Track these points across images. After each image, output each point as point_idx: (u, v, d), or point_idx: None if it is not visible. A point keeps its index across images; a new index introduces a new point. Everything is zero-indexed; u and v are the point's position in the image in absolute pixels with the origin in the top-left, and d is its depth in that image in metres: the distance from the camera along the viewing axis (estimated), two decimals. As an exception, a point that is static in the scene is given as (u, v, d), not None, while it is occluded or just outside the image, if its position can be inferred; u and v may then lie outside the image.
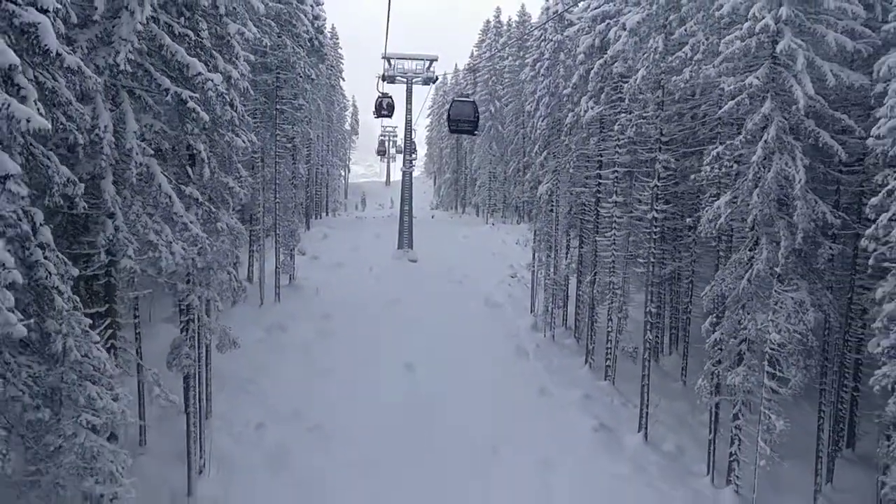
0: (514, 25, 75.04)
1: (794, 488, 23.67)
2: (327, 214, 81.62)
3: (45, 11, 9.06)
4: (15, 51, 9.28)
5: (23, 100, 9.21)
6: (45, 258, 11.20)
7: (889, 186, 15.25)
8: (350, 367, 30.43)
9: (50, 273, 11.24)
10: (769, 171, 20.02)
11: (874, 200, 16.17)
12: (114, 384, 12.53)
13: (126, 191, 15.57)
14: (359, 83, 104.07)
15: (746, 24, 20.08)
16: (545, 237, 38.85)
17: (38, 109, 9.60)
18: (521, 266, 49.50)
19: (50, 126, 9.59)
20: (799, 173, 19.57)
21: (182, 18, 17.03)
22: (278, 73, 35.26)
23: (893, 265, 15.29)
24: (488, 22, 79.71)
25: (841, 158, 20.01)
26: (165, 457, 21.49)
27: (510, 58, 69.05)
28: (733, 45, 20.42)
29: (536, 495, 22.28)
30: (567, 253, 37.70)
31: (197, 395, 21.79)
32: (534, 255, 41.38)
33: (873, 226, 15.30)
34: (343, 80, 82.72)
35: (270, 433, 24.74)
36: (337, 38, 77.32)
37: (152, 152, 15.61)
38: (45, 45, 9.19)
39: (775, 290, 20.25)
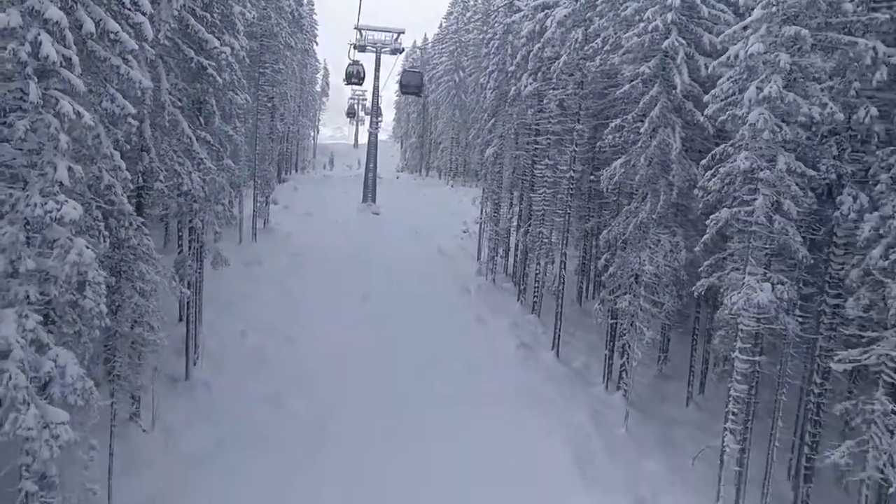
0: (480, 1, 79.83)
1: (672, 397, 29.85)
2: (297, 172, 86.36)
3: (144, 14, 14.31)
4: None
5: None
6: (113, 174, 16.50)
7: (715, 151, 20.92)
8: (317, 295, 36.00)
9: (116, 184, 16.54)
10: (654, 140, 25.72)
11: (704, 161, 21.65)
12: (156, 263, 17.96)
13: (157, 133, 20.83)
14: (330, 45, 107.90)
15: (642, 24, 25.68)
16: (491, 195, 44.57)
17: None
18: (473, 223, 55.17)
19: (144, 79, 14.86)
20: (676, 143, 25.31)
21: (200, 1, 22.20)
22: (262, 40, 40.21)
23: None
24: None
25: (710, 132, 25.74)
26: (168, 352, 26.81)
27: (475, 31, 73.92)
28: (632, 40, 26.01)
29: (468, 391, 28.00)
30: (510, 208, 43.43)
31: (195, 306, 27.25)
32: (481, 210, 47.06)
33: (702, 178, 21.03)
34: (317, 44, 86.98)
35: (250, 339, 30.25)
36: (312, 4, 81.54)
37: (179, 105, 20.85)
38: (145, 35, 14.45)
39: (652, 233, 26.10)
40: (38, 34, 10.75)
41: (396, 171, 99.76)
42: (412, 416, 25.13)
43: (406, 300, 36.63)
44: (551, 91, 31.84)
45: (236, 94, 25.25)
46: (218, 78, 21.27)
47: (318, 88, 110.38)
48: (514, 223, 41.79)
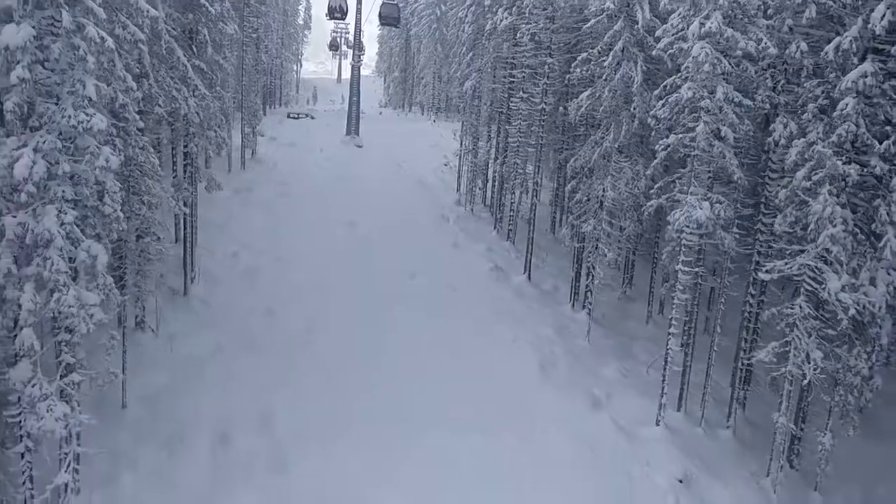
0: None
1: (634, 316, 32.50)
2: (280, 106, 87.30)
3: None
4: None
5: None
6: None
7: (666, 82, 22.91)
8: (304, 220, 38.12)
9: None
10: (618, 73, 27.68)
11: (656, 91, 23.71)
12: (161, 180, 19.97)
13: (155, 60, 22.53)
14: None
15: (608, -38, 27.32)
16: (470, 128, 46.42)
17: None
18: (453, 155, 56.93)
19: (151, 9, 16.61)
20: (638, 76, 27.30)
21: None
22: (246, -29, 41.33)
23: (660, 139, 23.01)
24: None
25: (669, 66, 27.63)
26: (168, 269, 28.94)
27: (457, -35, 74.38)
28: (599, -22, 27.73)
29: (443, 305, 30.41)
30: (488, 141, 45.32)
31: (191, 228, 29.30)
32: (461, 143, 48.93)
33: (654, 108, 23.11)
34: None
35: (243, 259, 32.50)
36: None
37: (175, 34, 22.53)
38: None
39: (615, 161, 28.26)
40: (68, -31, 12.56)
41: (380, 106, 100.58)
42: (390, 327, 27.56)
43: (387, 226, 38.79)
44: (524, 25, 33.52)
45: (226, 24, 26.87)
46: (210, 8, 22.94)
47: (300, 21, 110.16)
48: (492, 155, 43.76)
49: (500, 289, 33.14)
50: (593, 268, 30.05)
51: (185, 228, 28.99)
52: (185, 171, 27.63)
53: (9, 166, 12.51)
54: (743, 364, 24.13)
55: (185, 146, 26.85)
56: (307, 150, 53.56)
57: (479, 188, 45.93)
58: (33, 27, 12.44)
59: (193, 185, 27.99)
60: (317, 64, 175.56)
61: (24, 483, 14.80)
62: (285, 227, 37.05)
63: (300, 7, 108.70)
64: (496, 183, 42.85)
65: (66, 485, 15.37)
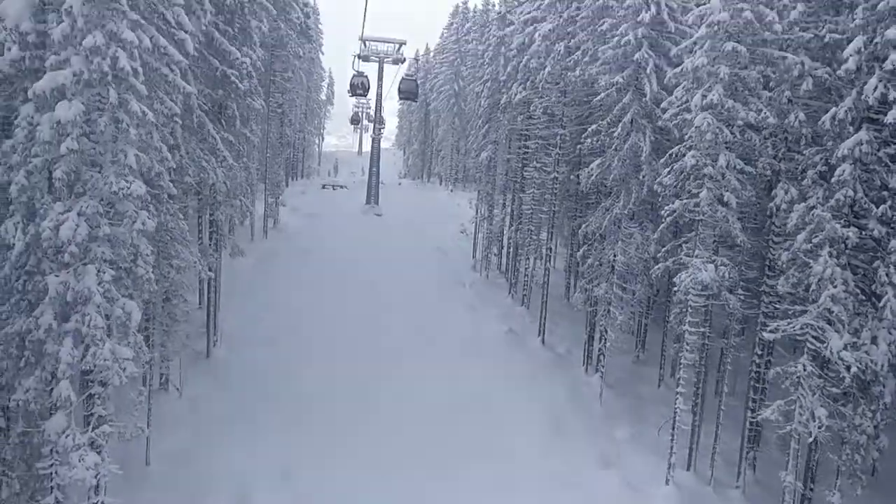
0: (478, 12, 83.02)
1: (646, 379, 32.88)
2: (302, 178, 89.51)
3: (186, 32, 17.47)
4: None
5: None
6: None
7: (672, 150, 23.95)
8: (324, 285, 39.16)
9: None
10: (626, 143, 28.78)
11: (663, 160, 24.74)
12: (189, 245, 21.07)
13: (186, 133, 23.90)
14: (334, 54, 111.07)
15: (616, 38, 28.76)
16: (486, 196, 47.69)
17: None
18: (470, 223, 58.22)
19: (186, 86, 17.97)
20: (646, 145, 28.37)
21: (222, 16, 25.35)
22: (273, 50, 43.38)
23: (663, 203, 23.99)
24: (457, 7, 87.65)
25: (676, 135, 28.71)
26: (191, 332, 29.87)
27: (474, 42, 77.11)
28: (607, 53, 29.09)
29: (458, 366, 31.03)
30: (503, 209, 46.51)
31: (215, 293, 30.36)
32: (476, 211, 50.15)
33: (661, 175, 24.08)
34: (322, 53, 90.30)
35: (264, 323, 33.40)
36: (318, 15, 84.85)
37: (206, 108, 23.98)
38: (186, 49, 17.57)
39: (624, 227, 29.14)
40: (116, 51, 13.85)
41: (399, 177, 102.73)
42: (407, 386, 28.21)
43: (405, 291, 39.71)
44: (538, 99, 34.95)
45: (254, 99, 28.38)
46: (240, 85, 24.44)
47: (323, 97, 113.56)
48: (507, 223, 44.86)
49: (514, 352, 33.75)
50: (605, 331, 30.60)
51: (208, 293, 30.07)
52: (210, 238, 28.81)
53: (55, 228, 13.59)
54: (751, 423, 24.43)
55: (212, 214, 28.09)
56: (328, 219, 55.04)
57: (495, 254, 46.94)
58: (83, 103, 13.69)
59: (218, 252, 29.14)
60: (338, 137, 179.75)
61: (53, 534, 15.43)
62: (306, 291, 38.02)
63: (323, 83, 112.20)
64: (511, 249, 43.81)
65: (94, 535, 15.99)
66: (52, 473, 14.99)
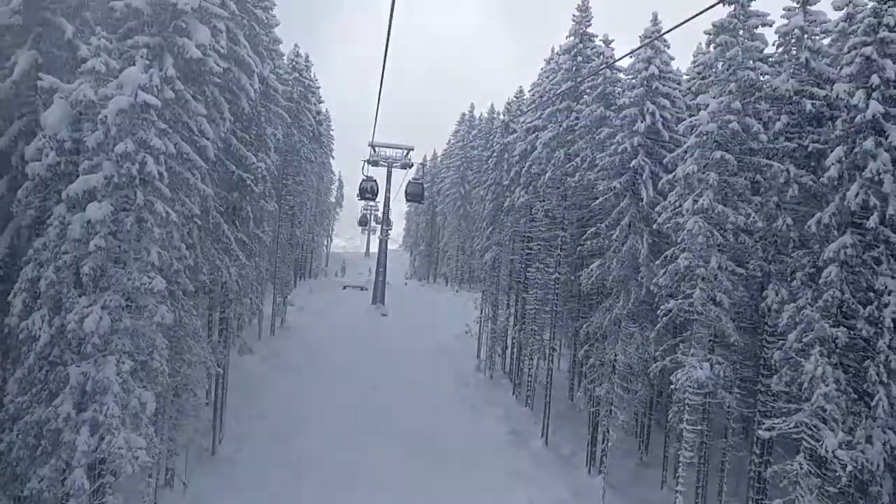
0: (483, 120, 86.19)
1: (649, 482, 32.79)
2: (310, 278, 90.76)
3: (207, 139, 18.81)
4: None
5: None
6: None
7: (667, 252, 24.92)
8: (329, 384, 39.53)
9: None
10: (625, 245, 29.81)
11: (658, 261, 25.69)
12: (202, 341, 21.81)
13: (202, 233, 25.05)
14: (344, 154, 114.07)
15: (613, 146, 30.24)
16: (490, 296, 48.55)
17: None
18: (474, 324, 58.84)
19: (206, 188, 19.15)
20: (644, 248, 29.37)
21: (239, 123, 26.90)
22: (286, 155, 45.28)
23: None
24: (464, 115, 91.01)
25: (672, 237, 29.67)
26: (199, 428, 30.21)
27: (479, 148, 79.74)
28: (605, 160, 30.54)
29: (462, 467, 31.09)
30: (507, 308, 47.28)
31: (222, 390, 30.88)
32: (481, 310, 50.90)
33: (656, 276, 24.97)
34: (333, 158, 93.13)
35: (269, 421, 33.70)
36: (330, 121, 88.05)
37: (221, 210, 25.20)
38: (207, 155, 18.88)
39: (624, 327, 29.82)
40: (144, 156, 15.06)
41: (405, 278, 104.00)
42: (410, 485, 28.28)
43: (409, 391, 40.03)
44: (539, 202, 36.32)
45: (267, 202, 29.71)
46: (254, 188, 25.74)
47: (332, 199, 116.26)
48: (511, 323, 45.52)
49: (517, 452, 33.81)
50: (608, 431, 30.82)
51: (216, 389, 30.54)
52: (220, 335, 29.54)
53: (80, 321, 14.43)
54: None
55: (222, 312, 28.93)
56: (334, 319, 55.78)
57: (499, 354, 47.40)
58: (112, 204, 14.78)
59: (227, 349, 29.79)
60: (346, 239, 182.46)
61: None
62: (311, 390, 38.38)
63: (333, 186, 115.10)
64: (514, 349, 44.29)
65: None
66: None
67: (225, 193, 26.36)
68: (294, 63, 45.09)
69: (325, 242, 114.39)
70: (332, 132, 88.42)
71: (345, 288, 76.37)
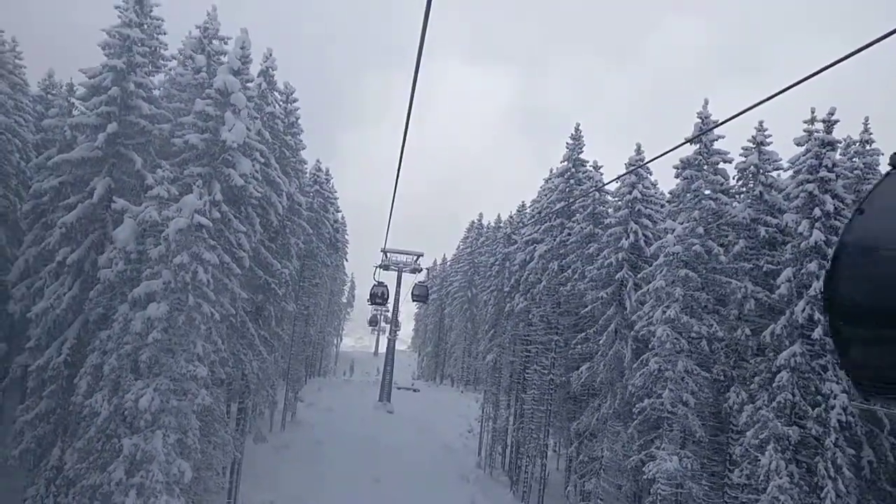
0: (490, 228, 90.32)
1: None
2: (319, 375, 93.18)
3: (244, 251, 22.34)
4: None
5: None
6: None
7: (642, 357, 27.85)
8: (335, 476, 41.72)
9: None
10: (611, 350, 32.75)
11: (635, 365, 28.64)
12: (227, 425, 24.64)
13: (229, 329, 28.23)
14: (357, 255, 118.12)
15: (600, 261, 33.57)
16: (491, 396, 51.05)
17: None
18: (476, 423, 61.02)
19: (242, 292, 22.47)
20: (628, 353, 32.32)
21: (267, 234, 30.47)
22: (305, 260, 48.85)
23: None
24: (472, 223, 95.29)
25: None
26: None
27: (486, 254, 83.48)
28: (593, 272, 33.84)
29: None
30: (507, 408, 49.69)
31: (234, 478, 33.40)
32: (482, 410, 53.28)
33: (632, 377, 27.83)
34: (346, 261, 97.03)
35: (278, 508, 35.94)
36: (345, 227, 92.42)
37: (248, 310, 28.46)
38: (243, 264, 22.32)
39: (611, 425, 32.37)
40: (196, 267, 18.44)
41: (412, 378, 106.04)
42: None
43: (411, 485, 42.14)
44: (536, 308, 39.45)
45: (287, 303, 32.97)
46: (278, 291, 29.06)
47: (343, 300, 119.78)
48: (510, 422, 47.85)
49: (514, 546, 35.78)
50: (597, 525, 32.89)
51: (231, 475, 33.02)
52: (237, 424, 32.28)
53: (135, 400, 17.47)
54: None
55: (241, 402, 31.76)
56: (342, 415, 58.12)
57: (499, 453, 49.51)
58: (167, 305, 18.07)
59: (243, 437, 32.46)
60: (356, 339, 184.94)
61: None
62: (318, 481, 40.57)
63: (345, 287, 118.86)
64: (513, 447, 46.48)
65: None
66: None
67: (251, 295, 29.64)
68: (315, 177, 49.36)
69: (335, 341, 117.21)
70: (346, 236, 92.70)
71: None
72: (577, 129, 39.86)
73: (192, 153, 21.57)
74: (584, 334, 33.97)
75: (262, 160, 24.76)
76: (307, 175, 43.77)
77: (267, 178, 27.10)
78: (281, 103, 32.22)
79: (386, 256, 67.04)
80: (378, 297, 65.11)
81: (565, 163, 39.77)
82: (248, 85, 25.90)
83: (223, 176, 21.46)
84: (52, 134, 27.28)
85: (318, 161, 51.00)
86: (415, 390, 79.72)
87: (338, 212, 54.85)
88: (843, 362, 2.75)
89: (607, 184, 35.65)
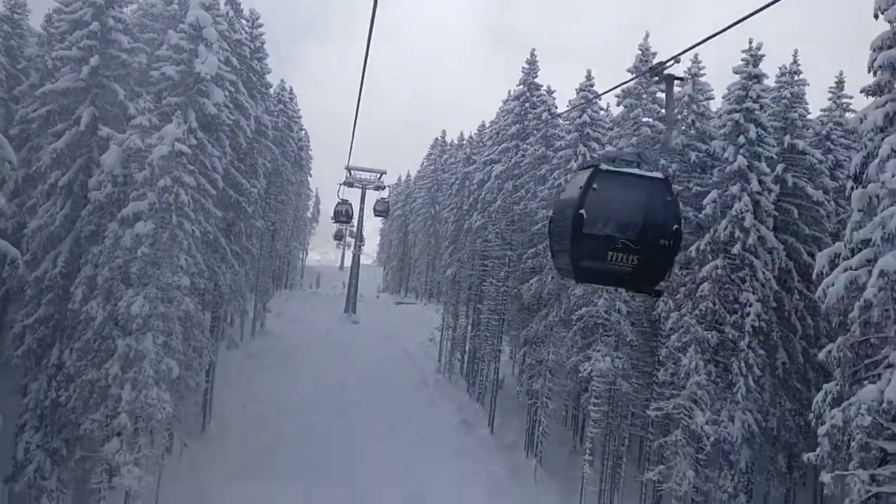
0: (454, 146, 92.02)
1: (578, 465, 38.39)
2: (286, 288, 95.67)
3: (218, 174, 24.34)
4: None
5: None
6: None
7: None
8: (303, 380, 44.79)
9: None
10: (558, 264, 35.53)
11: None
12: (205, 331, 27.12)
13: (204, 245, 30.36)
14: (321, 173, 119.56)
15: (550, 181, 36.01)
16: (451, 308, 54.10)
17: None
18: (437, 332, 64.32)
19: (217, 212, 24.60)
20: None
21: (236, 154, 32.30)
22: (271, 177, 50.49)
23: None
24: (436, 139, 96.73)
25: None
26: (189, 413, 35.34)
27: (448, 172, 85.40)
28: (543, 192, 36.30)
29: (416, 447, 36.54)
30: (466, 318, 52.81)
31: (210, 381, 36.12)
32: (443, 320, 56.46)
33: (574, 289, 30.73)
34: (311, 176, 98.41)
35: (249, 409, 38.96)
36: (309, 144, 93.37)
37: (220, 227, 30.57)
38: (217, 186, 24.38)
39: (556, 331, 35.43)
40: (178, 189, 20.51)
41: (377, 291, 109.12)
42: (369, 463, 33.88)
43: (374, 387, 45.42)
44: (492, 226, 42.02)
45: (256, 220, 35.06)
46: (248, 209, 31.15)
47: (308, 215, 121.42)
48: (468, 331, 51.07)
49: (465, 438, 39.41)
50: (540, 420, 36.44)
51: (206, 378, 35.72)
52: (212, 331, 34.80)
53: (128, 307, 19.78)
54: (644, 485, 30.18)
55: (214, 311, 34.16)
56: (309, 325, 61.00)
57: (458, 359, 52.90)
58: (153, 223, 20.21)
59: (216, 343, 35.04)
60: (321, 253, 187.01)
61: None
62: (286, 386, 43.60)
63: (310, 203, 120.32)
64: (470, 354, 49.84)
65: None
66: (100, 488, 20.53)
67: (223, 213, 31.69)
68: (280, 96, 50.63)
69: (301, 256, 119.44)
70: (310, 153, 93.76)
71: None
72: (532, 55, 41.57)
73: (168, 83, 23.26)
74: (535, 249, 36.68)
75: (233, 89, 26.48)
76: (272, 97, 45.11)
77: (236, 103, 28.79)
78: (247, 30, 33.58)
79: (350, 174, 68.70)
80: (342, 214, 66.95)
81: (521, 86, 41.65)
82: (218, 18, 27.33)
83: (198, 105, 23.25)
84: (31, 63, 28.30)
85: (282, 81, 52.29)
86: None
87: (301, 129, 56.27)
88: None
89: (560, 115, 37.75)
